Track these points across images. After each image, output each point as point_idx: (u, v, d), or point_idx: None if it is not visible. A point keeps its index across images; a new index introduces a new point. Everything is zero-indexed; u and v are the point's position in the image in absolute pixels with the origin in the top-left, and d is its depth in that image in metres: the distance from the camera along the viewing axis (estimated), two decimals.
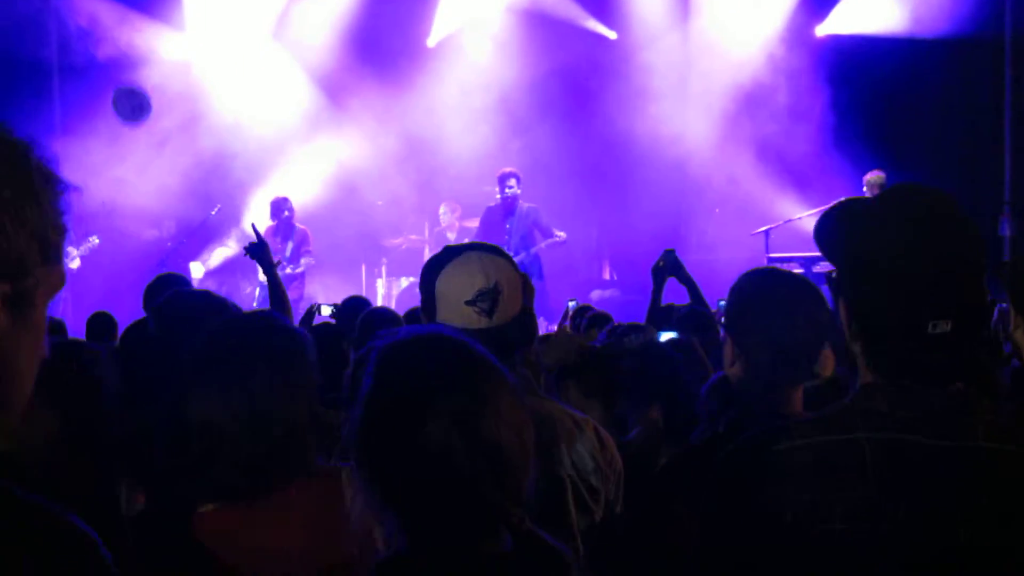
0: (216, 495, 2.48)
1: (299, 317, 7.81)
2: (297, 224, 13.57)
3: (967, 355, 2.05)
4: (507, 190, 12.81)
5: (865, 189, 12.51)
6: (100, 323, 7.78)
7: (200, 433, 2.43)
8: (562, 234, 12.90)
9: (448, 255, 3.08)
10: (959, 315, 2.01)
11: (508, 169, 13.00)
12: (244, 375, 2.47)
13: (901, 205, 2.08)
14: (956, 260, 2.03)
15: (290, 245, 13.30)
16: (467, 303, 2.97)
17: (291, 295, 13.09)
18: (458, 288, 2.99)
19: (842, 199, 2.27)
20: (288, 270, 12.96)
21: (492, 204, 13.16)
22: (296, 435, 2.51)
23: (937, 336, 2.01)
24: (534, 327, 3.28)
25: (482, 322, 2.98)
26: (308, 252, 13.38)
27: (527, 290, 3.10)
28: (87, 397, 3.16)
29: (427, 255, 13.02)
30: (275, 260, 6.13)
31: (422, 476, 1.95)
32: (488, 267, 3.00)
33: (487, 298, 2.97)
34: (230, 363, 2.49)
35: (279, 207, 13.48)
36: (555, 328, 8.34)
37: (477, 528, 1.99)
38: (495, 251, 3.11)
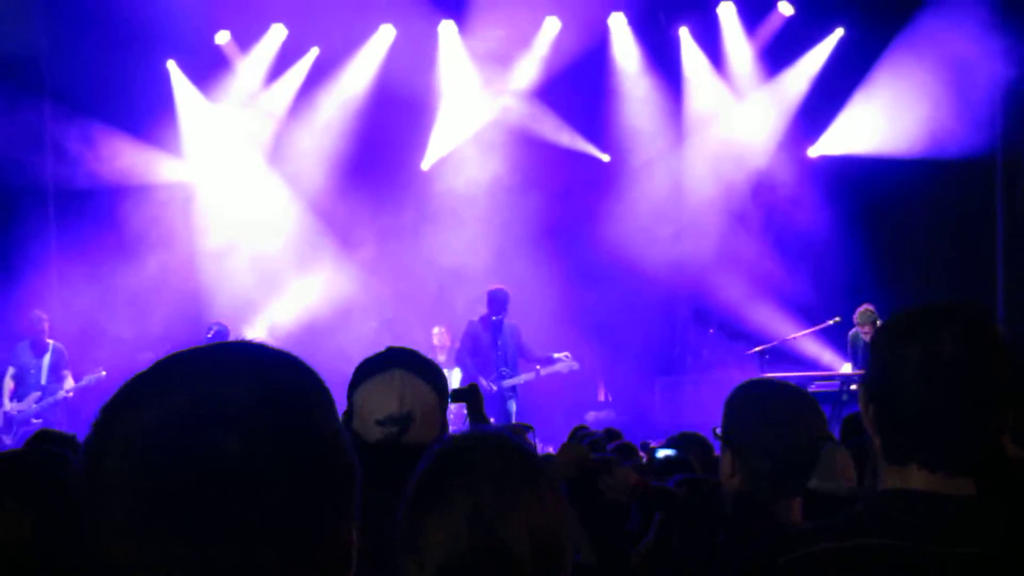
0: None
1: None
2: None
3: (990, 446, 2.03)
4: (498, 307, 12.74)
5: (856, 321, 12.54)
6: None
7: None
8: (567, 356, 12.86)
9: (373, 368, 3.13)
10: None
11: (499, 287, 12.94)
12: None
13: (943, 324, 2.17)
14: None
15: None
16: (378, 423, 3.03)
17: None
18: (372, 406, 3.06)
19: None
20: None
21: (474, 319, 13.07)
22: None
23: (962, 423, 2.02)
24: None
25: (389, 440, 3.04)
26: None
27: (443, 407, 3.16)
28: (58, 500, 3.11)
29: None
30: None
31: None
32: (406, 390, 3.06)
33: (397, 423, 3.02)
34: None
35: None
36: (551, 451, 8.26)
37: None
38: (420, 372, 3.13)
